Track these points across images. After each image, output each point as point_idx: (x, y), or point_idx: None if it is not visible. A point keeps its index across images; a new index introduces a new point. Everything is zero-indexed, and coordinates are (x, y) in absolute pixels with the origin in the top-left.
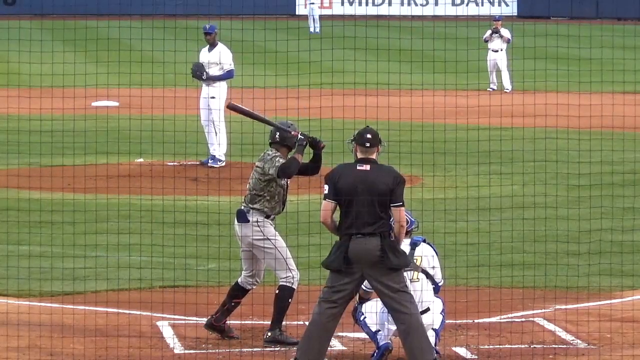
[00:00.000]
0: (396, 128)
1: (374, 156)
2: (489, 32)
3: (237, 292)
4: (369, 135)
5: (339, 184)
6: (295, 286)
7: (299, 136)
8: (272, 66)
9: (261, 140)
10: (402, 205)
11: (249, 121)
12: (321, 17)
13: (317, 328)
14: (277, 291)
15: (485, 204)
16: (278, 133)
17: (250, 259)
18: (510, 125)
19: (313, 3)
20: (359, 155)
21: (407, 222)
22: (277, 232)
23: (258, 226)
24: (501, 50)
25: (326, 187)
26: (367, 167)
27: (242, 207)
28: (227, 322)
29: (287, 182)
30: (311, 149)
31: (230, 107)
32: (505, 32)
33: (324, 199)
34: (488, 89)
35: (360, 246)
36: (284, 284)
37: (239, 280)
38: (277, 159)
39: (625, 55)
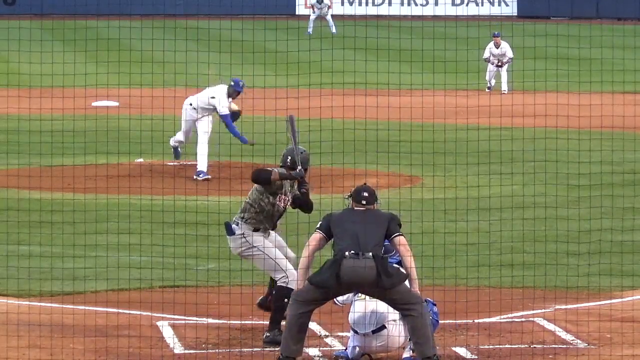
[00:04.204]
0: (396, 128)
1: None
2: (489, 54)
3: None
4: (365, 194)
5: (333, 218)
6: (292, 285)
7: (299, 169)
8: (272, 66)
9: (261, 140)
10: (402, 235)
11: (249, 121)
12: (320, 17)
13: (291, 326)
14: (273, 292)
15: (485, 204)
16: (289, 157)
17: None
18: (510, 125)
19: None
20: None
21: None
22: (264, 239)
23: (244, 237)
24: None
25: (321, 221)
26: (364, 208)
27: (232, 220)
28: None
29: (283, 207)
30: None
31: (289, 119)
32: (508, 51)
33: (315, 230)
34: (485, 90)
35: (355, 264)
36: (280, 284)
37: None
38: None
39: (625, 55)
